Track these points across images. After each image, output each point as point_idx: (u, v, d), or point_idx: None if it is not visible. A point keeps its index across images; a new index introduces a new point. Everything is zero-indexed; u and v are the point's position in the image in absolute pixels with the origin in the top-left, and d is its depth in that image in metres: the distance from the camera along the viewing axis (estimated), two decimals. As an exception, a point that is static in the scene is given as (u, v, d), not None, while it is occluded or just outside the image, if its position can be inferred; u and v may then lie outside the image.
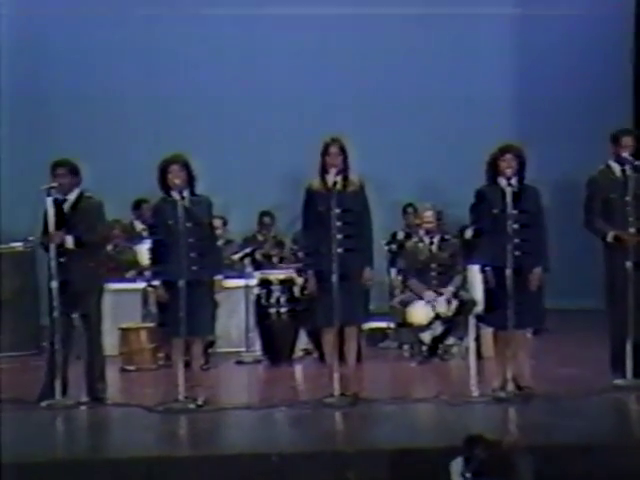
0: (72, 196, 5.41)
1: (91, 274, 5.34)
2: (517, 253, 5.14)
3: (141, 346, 6.66)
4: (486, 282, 5.21)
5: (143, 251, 6.48)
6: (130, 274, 7.42)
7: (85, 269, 5.32)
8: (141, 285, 6.96)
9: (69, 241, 5.27)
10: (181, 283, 5.12)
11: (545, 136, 9.05)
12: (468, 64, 9.62)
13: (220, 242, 7.20)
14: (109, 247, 7.40)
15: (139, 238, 7.54)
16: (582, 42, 9.58)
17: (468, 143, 8.86)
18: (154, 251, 5.31)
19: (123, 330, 6.78)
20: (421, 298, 6.71)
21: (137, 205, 8.34)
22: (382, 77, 9.49)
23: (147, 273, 6.29)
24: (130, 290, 7.14)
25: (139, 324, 6.87)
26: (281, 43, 9.45)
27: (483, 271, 5.23)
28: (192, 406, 5.11)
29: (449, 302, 6.67)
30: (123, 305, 6.99)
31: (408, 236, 8.44)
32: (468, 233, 5.92)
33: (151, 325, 6.55)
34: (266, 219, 8.65)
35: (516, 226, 5.17)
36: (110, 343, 6.69)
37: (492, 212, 5.23)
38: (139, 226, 8.18)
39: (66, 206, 5.40)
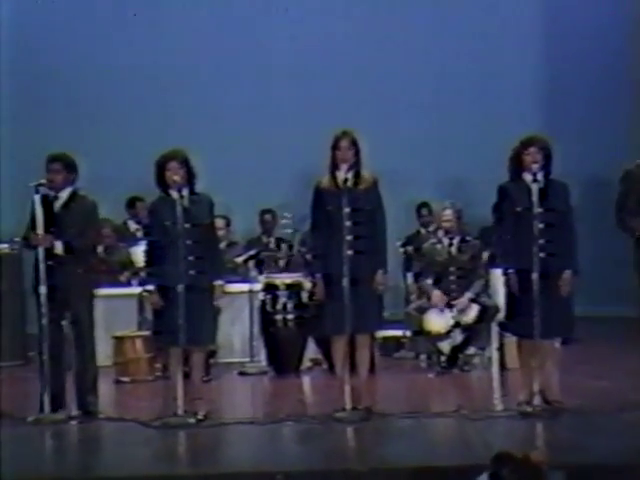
0: (64, 194, 5.35)
1: (82, 278, 5.31)
2: (542, 255, 5.09)
3: (137, 356, 6.65)
4: (508, 286, 5.18)
5: (138, 253, 6.46)
6: (124, 276, 7.42)
7: (75, 273, 5.28)
8: (137, 290, 6.94)
9: (59, 247, 5.23)
10: (179, 288, 5.11)
11: (573, 128, 8.99)
12: (490, 51, 9.57)
13: (223, 244, 7.17)
14: (99, 249, 7.35)
15: (133, 239, 7.53)
16: (615, 27, 9.51)
17: (490, 136, 8.81)
18: (149, 253, 5.28)
19: (117, 338, 6.77)
20: (430, 301, 6.68)
21: (131, 204, 8.33)
22: (397, 67, 9.44)
23: (142, 274, 6.27)
24: (125, 295, 7.13)
25: (135, 332, 6.84)
26: (288, 30, 9.42)
27: (505, 274, 5.20)
28: (192, 421, 5.10)
29: (463, 311, 6.62)
30: (117, 311, 7.00)
31: (419, 234, 8.42)
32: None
33: (147, 333, 6.50)
34: (267, 217, 8.63)
35: (542, 225, 5.12)
36: (103, 353, 6.64)
37: (515, 210, 5.19)
38: (133, 226, 8.18)
39: (57, 205, 5.34)
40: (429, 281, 6.83)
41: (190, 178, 5.24)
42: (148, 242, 5.34)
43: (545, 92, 9.62)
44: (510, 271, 5.17)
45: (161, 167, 5.23)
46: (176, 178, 5.18)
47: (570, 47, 9.57)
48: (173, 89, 9.29)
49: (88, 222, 5.34)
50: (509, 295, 5.23)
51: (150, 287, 5.20)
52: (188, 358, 5.30)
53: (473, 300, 6.71)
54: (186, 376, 5.26)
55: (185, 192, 5.21)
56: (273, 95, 9.34)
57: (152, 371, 6.64)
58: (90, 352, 5.35)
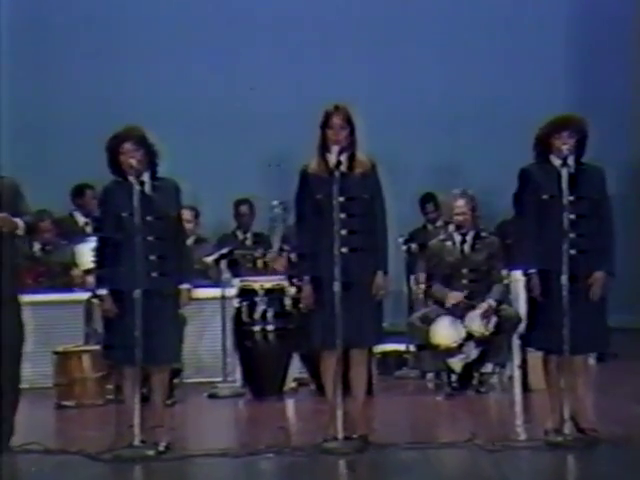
0: None
1: (10, 281, 5.19)
2: (572, 252, 5.06)
3: (83, 375, 6.63)
4: (529, 290, 5.15)
5: (85, 252, 6.37)
6: (61, 280, 7.32)
7: (4, 274, 5.16)
8: (84, 296, 6.88)
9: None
10: (137, 293, 5.05)
11: (608, 106, 8.94)
12: (512, 16, 9.49)
13: (190, 240, 7.15)
14: (36, 246, 7.28)
15: (81, 235, 7.46)
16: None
17: (511, 114, 8.77)
18: (100, 251, 5.21)
19: (59, 354, 6.72)
20: (444, 307, 6.65)
21: (78, 192, 8.24)
22: (400, 31, 9.33)
23: (89, 278, 6.15)
24: (68, 302, 7.07)
25: (81, 347, 6.80)
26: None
27: (526, 275, 5.16)
28: (151, 453, 5.06)
29: (487, 319, 6.59)
30: (59, 322, 6.94)
31: (425, 229, 8.40)
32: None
33: (97, 348, 6.41)
34: (243, 209, 8.61)
35: (572, 217, 5.08)
36: (42, 371, 6.54)
37: (541, 198, 5.14)
38: (81, 219, 8.11)
39: None
40: (439, 285, 6.78)
41: (150, 160, 5.18)
42: (99, 237, 5.27)
43: (577, 63, 9.56)
44: (532, 271, 5.12)
45: (114, 150, 5.17)
46: (132, 162, 5.11)
47: (607, 14, 9.52)
48: (130, 57, 9.20)
49: (19, 204, 5.25)
50: (531, 301, 5.19)
51: (102, 291, 5.14)
52: (147, 378, 5.25)
53: (493, 310, 6.64)
54: (145, 399, 5.19)
55: (146, 177, 5.15)
56: (249, 63, 9.23)
57: (102, 393, 6.60)
58: (13, 373, 5.22)
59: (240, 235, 8.56)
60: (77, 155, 7.89)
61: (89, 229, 7.63)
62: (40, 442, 5.27)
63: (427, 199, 8.69)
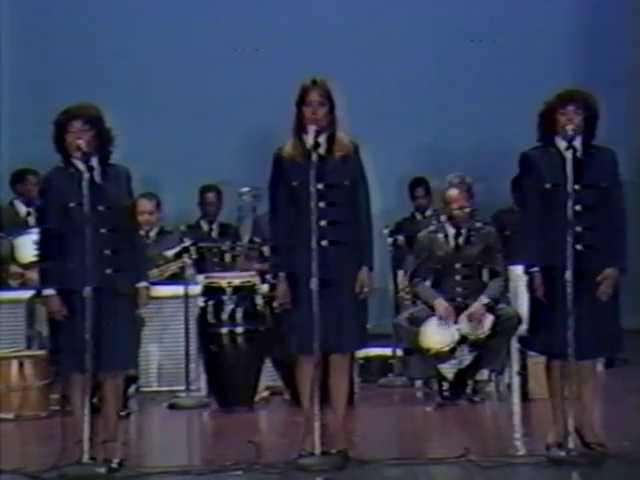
0: None
1: None
2: (578, 247, 5.08)
3: (24, 383, 6.61)
4: (532, 290, 5.17)
5: (27, 245, 6.34)
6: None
7: None
8: (25, 294, 6.86)
9: None
10: (87, 292, 5.04)
11: (619, 83, 9.02)
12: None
13: (153, 232, 7.17)
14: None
15: (23, 227, 7.44)
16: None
17: (511, 91, 8.78)
18: (44, 245, 5.19)
19: (-4, 360, 6.77)
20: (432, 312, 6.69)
21: (19, 177, 8.22)
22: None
23: (29, 274, 6.04)
24: (8, 301, 7.06)
25: (21, 351, 6.79)
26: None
27: (528, 273, 5.17)
28: (102, 470, 5.04)
29: (477, 322, 6.60)
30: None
31: (414, 220, 8.41)
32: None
33: (41, 352, 6.47)
34: (209, 196, 8.60)
35: (578, 207, 5.10)
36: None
37: (544, 187, 5.16)
38: (23, 209, 8.09)
39: None
40: (427, 283, 6.78)
41: (102, 143, 5.18)
42: (42, 230, 5.24)
43: (584, 39, 9.60)
44: (534, 269, 5.15)
45: (61, 128, 5.16)
46: (80, 143, 5.09)
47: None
48: (82, 21, 9.13)
49: None
50: (533, 301, 5.22)
51: (49, 292, 5.12)
52: (98, 386, 5.24)
53: (489, 307, 6.65)
54: (95, 410, 5.19)
55: (95, 162, 5.15)
56: (217, 31, 9.24)
57: (46, 404, 6.58)
58: None
59: (205, 226, 8.57)
60: (19, 138, 7.86)
61: (32, 220, 7.60)
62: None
63: (417, 183, 8.73)
